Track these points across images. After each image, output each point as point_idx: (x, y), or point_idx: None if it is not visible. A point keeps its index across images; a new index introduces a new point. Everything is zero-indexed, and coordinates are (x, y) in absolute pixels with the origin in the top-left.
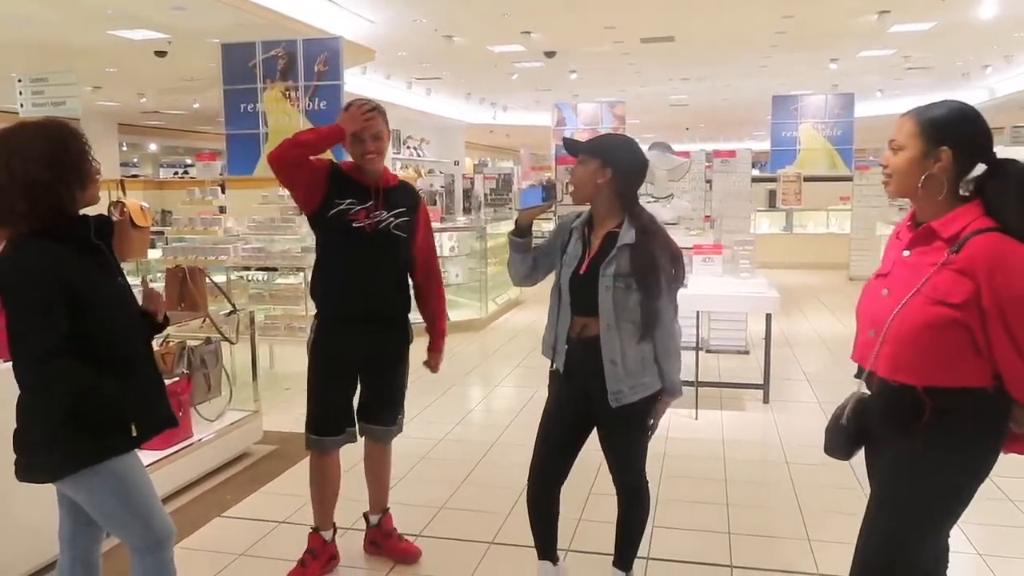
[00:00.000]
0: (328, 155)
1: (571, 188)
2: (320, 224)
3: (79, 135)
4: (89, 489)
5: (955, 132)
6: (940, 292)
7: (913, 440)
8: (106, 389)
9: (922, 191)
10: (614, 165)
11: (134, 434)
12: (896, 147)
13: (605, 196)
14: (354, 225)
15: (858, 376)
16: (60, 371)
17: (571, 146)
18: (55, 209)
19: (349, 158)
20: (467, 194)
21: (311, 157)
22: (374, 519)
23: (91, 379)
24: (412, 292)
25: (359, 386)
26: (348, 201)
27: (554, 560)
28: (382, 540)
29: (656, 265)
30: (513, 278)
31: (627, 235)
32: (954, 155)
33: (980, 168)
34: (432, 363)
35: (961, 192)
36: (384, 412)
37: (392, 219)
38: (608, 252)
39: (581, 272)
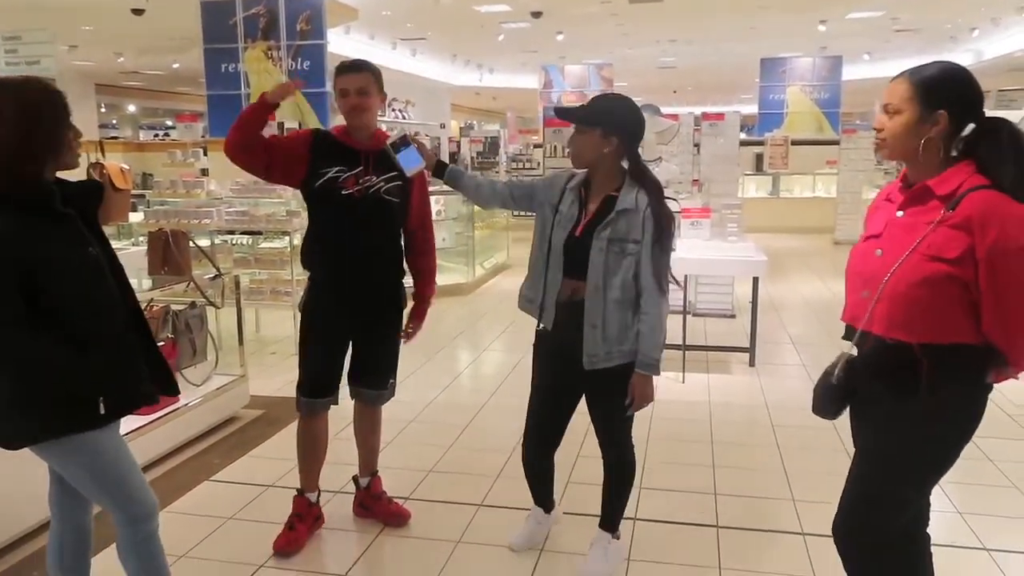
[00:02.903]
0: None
1: (568, 153)
2: (309, 194)
3: (57, 100)
4: (59, 461)
5: (950, 94)
6: (936, 248)
7: (904, 398)
8: (60, 362)
9: (922, 155)
10: (618, 132)
11: (102, 411)
12: (892, 111)
13: (608, 162)
14: (343, 192)
15: (847, 338)
16: (6, 342)
17: (565, 114)
18: (22, 176)
19: (339, 122)
20: (453, 157)
21: (267, 133)
22: (363, 482)
23: (42, 352)
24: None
25: (351, 350)
26: (336, 169)
27: (548, 509)
28: (371, 503)
29: (671, 224)
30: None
31: (626, 199)
32: (950, 117)
33: (970, 127)
34: (411, 330)
35: (953, 152)
36: (376, 376)
37: (382, 184)
38: (604, 216)
39: (577, 235)
